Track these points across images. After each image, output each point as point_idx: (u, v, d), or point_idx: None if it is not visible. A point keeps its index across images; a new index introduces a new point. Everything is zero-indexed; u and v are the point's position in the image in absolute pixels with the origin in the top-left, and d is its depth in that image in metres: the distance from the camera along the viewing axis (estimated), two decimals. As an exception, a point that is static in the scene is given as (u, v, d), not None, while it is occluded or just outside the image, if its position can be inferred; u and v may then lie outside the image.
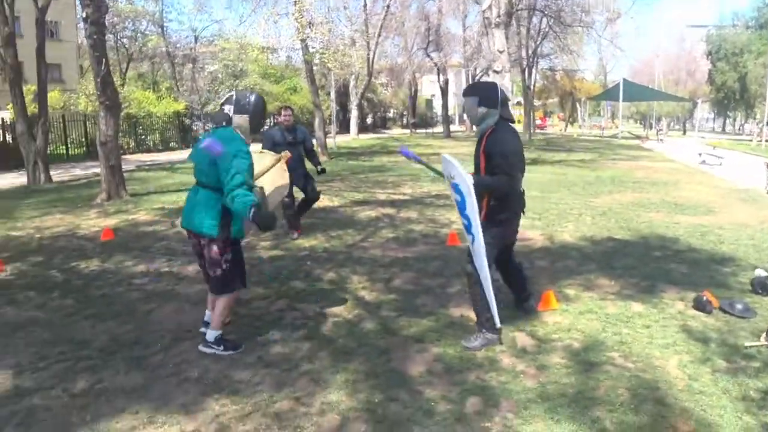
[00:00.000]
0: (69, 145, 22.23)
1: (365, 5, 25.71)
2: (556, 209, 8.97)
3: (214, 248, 3.63)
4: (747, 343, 3.78)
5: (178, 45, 35.37)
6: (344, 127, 35.35)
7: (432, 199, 10.12)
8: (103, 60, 10.49)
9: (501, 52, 14.57)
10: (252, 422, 2.92)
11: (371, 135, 37.45)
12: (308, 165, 7.24)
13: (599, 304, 4.62)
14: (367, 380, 3.35)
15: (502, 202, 3.86)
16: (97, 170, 11.76)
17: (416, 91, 44.13)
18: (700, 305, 4.44)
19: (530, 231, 7.33)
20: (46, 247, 6.92)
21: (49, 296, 5.01)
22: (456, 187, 3.76)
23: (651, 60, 58.81)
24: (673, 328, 4.11)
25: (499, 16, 14.22)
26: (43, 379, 3.43)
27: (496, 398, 3.13)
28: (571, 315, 4.37)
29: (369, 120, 45.13)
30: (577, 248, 6.47)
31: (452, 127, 43.91)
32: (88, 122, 22.33)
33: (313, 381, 3.35)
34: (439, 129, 42.50)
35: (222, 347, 3.74)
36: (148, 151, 24.96)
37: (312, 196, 7.24)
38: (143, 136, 25.61)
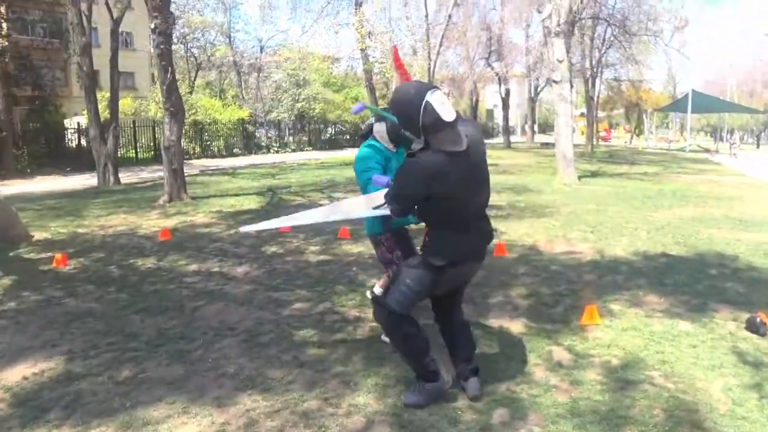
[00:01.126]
0: (138, 150, 23.39)
1: (427, 15, 25.86)
2: (610, 222, 8.73)
3: (383, 249, 3.95)
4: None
5: (244, 55, 36.58)
6: (404, 137, 35.41)
7: (483, 209, 10.03)
8: (169, 68, 11.03)
9: (560, 62, 14.37)
10: (280, 419, 3.00)
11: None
12: None
13: (644, 321, 4.46)
14: (396, 385, 3.37)
15: (434, 240, 3.00)
16: (162, 174, 12.31)
17: (477, 101, 43.83)
18: (753, 327, 4.22)
19: (581, 244, 7.17)
20: (108, 244, 7.33)
21: (106, 290, 5.31)
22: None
23: (724, 70, 56.30)
24: (722, 349, 3.93)
25: (559, 24, 14.02)
26: (92, 366, 3.65)
27: (524, 411, 3.09)
28: (613, 331, 4.24)
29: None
30: (628, 263, 6.28)
31: (513, 138, 43.33)
32: (156, 128, 23.42)
33: (344, 383, 3.41)
34: (500, 140, 42.03)
35: None
36: (213, 156, 25.92)
37: None
38: (208, 142, 26.63)
